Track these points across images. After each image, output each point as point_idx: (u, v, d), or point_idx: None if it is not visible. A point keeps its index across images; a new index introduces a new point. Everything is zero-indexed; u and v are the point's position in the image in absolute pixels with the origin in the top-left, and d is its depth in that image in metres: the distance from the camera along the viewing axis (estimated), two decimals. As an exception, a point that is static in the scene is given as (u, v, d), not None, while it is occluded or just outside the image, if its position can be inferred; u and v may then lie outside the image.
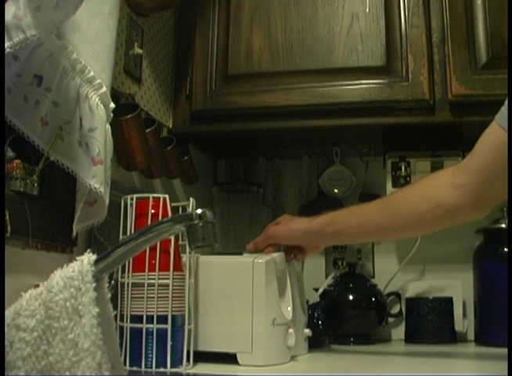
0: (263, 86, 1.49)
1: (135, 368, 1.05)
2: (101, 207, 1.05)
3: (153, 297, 1.07)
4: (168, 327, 1.06)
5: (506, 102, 0.99)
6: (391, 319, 1.69)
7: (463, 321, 1.60)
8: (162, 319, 1.07)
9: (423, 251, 1.67)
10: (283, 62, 1.49)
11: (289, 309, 1.20)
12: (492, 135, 1.02)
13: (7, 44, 0.81)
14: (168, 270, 1.08)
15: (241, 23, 1.53)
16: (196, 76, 1.54)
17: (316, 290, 1.58)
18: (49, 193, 1.04)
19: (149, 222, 1.10)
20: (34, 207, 0.99)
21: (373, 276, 1.75)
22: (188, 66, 1.56)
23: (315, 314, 1.47)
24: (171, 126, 1.55)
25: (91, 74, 1.00)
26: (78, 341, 0.78)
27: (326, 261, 1.80)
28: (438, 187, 1.10)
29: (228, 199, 1.80)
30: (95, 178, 0.99)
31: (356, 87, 1.44)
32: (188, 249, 1.09)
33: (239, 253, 1.25)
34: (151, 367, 1.05)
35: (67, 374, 0.78)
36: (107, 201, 1.04)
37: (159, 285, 1.08)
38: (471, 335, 1.59)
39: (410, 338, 1.61)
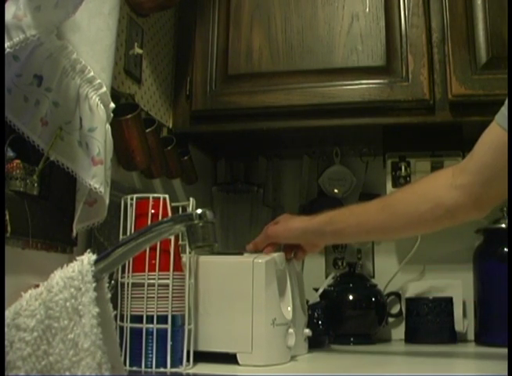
0: (263, 86, 1.49)
1: (135, 368, 1.05)
2: (101, 207, 1.05)
3: (153, 297, 1.07)
4: (168, 327, 1.06)
5: (506, 102, 0.99)
6: (391, 319, 1.69)
7: (463, 321, 1.60)
8: (162, 319, 1.07)
9: (423, 251, 1.67)
10: (283, 62, 1.49)
11: (289, 309, 1.20)
12: (492, 135, 1.02)
13: (7, 44, 0.81)
14: (168, 270, 1.08)
15: (241, 23, 1.53)
16: (196, 76, 1.54)
17: (316, 290, 1.58)
18: (49, 193, 1.04)
19: (149, 222, 1.10)
20: (34, 207, 0.99)
21: (373, 276, 1.75)
22: (188, 66, 1.56)
23: (315, 314, 1.47)
24: (171, 126, 1.55)
25: (91, 74, 1.00)
26: (78, 341, 0.78)
27: (326, 261, 1.80)
28: (438, 187, 1.10)
29: (228, 199, 1.80)
30: (95, 178, 0.99)
31: (356, 87, 1.44)
32: (188, 249, 1.09)
33: (240, 253, 1.25)
34: (151, 367, 1.05)
35: (67, 374, 0.78)
36: (107, 201, 1.04)
37: (159, 285, 1.08)
38: (471, 335, 1.59)
39: (410, 338, 1.61)
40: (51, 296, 0.81)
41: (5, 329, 0.80)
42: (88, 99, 0.99)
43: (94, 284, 0.81)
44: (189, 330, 1.10)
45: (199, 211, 0.86)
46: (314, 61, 1.48)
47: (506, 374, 0.84)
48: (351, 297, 1.59)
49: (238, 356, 1.13)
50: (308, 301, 1.42)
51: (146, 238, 0.85)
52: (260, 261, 1.16)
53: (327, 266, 1.79)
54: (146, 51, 1.43)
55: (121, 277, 1.10)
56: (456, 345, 1.55)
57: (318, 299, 1.54)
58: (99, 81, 1.01)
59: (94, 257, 0.83)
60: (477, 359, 1.37)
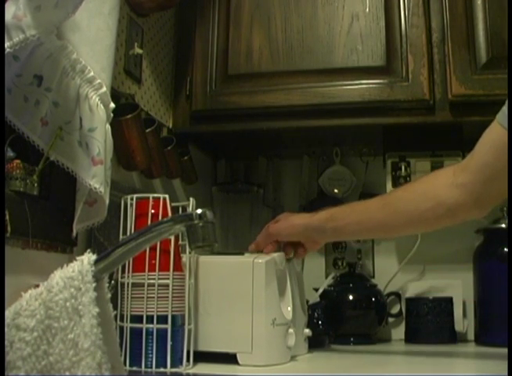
0: (263, 86, 1.49)
1: (135, 368, 1.05)
2: (101, 207, 1.05)
3: (153, 297, 1.07)
4: (168, 327, 1.06)
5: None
6: (391, 319, 1.69)
7: (463, 321, 1.59)
8: (162, 319, 1.07)
9: (423, 251, 1.67)
10: (283, 62, 1.49)
11: (289, 309, 1.20)
12: (493, 135, 1.02)
13: (7, 44, 0.81)
14: (168, 270, 1.08)
15: (241, 23, 1.53)
16: (196, 76, 1.54)
17: (316, 290, 1.58)
18: (49, 193, 1.04)
19: (149, 222, 1.10)
20: (34, 207, 0.99)
21: (373, 276, 1.75)
22: (188, 66, 1.56)
23: (315, 314, 1.47)
24: (171, 126, 1.55)
25: (91, 74, 1.00)
26: (78, 341, 0.78)
27: (326, 261, 1.80)
28: (439, 186, 1.11)
29: (228, 199, 1.80)
30: (95, 178, 0.99)
31: (356, 87, 1.44)
32: (188, 249, 1.09)
33: (241, 253, 1.24)
34: (151, 367, 1.05)
35: (67, 374, 0.78)
36: (107, 201, 1.04)
37: (159, 285, 1.08)
38: (471, 335, 1.59)
39: (410, 338, 1.61)
40: (51, 296, 0.81)
41: (5, 329, 0.80)
42: (88, 99, 0.99)
43: (94, 284, 0.81)
44: (189, 330, 1.10)
45: (199, 211, 0.86)
46: (314, 61, 1.48)
47: (506, 374, 0.84)
48: (351, 297, 1.59)
49: (238, 356, 1.13)
50: (308, 301, 1.42)
51: (145, 238, 0.85)
52: (260, 261, 1.16)
53: (327, 266, 1.79)
54: (146, 51, 1.43)
55: (121, 277, 1.10)
56: (456, 345, 1.55)
57: (318, 299, 1.54)
58: (99, 81, 1.01)
59: (94, 257, 0.83)
60: (477, 359, 1.37)
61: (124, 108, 1.21)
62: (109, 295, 0.86)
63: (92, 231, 1.16)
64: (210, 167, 1.85)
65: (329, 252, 1.79)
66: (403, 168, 1.57)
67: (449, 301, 1.59)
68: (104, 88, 1.02)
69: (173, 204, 1.15)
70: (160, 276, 1.08)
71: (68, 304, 0.80)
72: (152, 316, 1.07)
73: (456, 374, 1.12)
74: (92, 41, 1.02)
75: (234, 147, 1.81)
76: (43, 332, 0.80)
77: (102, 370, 0.78)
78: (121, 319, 1.08)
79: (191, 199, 1.14)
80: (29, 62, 0.91)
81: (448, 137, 1.55)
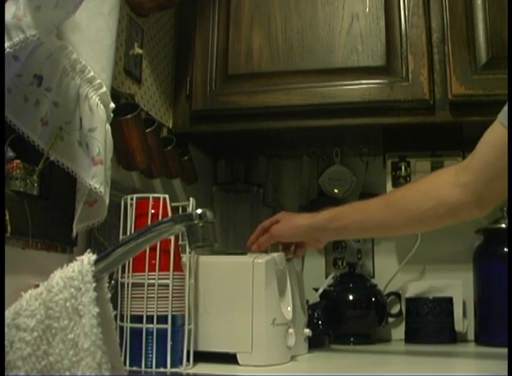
0: (263, 86, 1.49)
1: (135, 368, 1.05)
2: (101, 207, 1.05)
3: (153, 297, 1.07)
4: (168, 327, 1.06)
5: None
6: (391, 319, 1.69)
7: (463, 321, 1.59)
8: (162, 319, 1.07)
9: (423, 251, 1.67)
10: (283, 62, 1.49)
11: (289, 309, 1.20)
12: (495, 134, 1.01)
13: (7, 44, 0.81)
14: (168, 270, 1.08)
15: (241, 23, 1.53)
16: (196, 76, 1.54)
17: (316, 290, 1.58)
18: (49, 193, 1.04)
19: (149, 222, 1.10)
20: (34, 207, 0.99)
21: (373, 276, 1.75)
22: (188, 66, 1.56)
23: (315, 314, 1.47)
24: (171, 126, 1.55)
25: (91, 74, 1.00)
26: (78, 341, 0.78)
27: (326, 261, 1.80)
28: (441, 185, 1.11)
29: (228, 199, 1.80)
30: (95, 178, 0.99)
31: (356, 87, 1.44)
32: (188, 249, 1.09)
33: (244, 253, 1.24)
34: (151, 367, 1.05)
35: (67, 374, 0.78)
36: (107, 201, 1.04)
37: (159, 285, 1.08)
38: (471, 335, 1.59)
39: (410, 338, 1.61)
40: (51, 296, 0.81)
41: (5, 329, 0.80)
42: (88, 99, 0.99)
43: (94, 284, 0.81)
44: (189, 330, 1.10)
45: (199, 211, 0.86)
46: (314, 61, 1.48)
47: (506, 374, 0.84)
48: (351, 297, 1.59)
49: (238, 356, 1.13)
50: (308, 301, 1.42)
51: (146, 238, 0.85)
52: (260, 261, 1.16)
53: (327, 266, 1.79)
54: (146, 51, 1.43)
55: (121, 277, 1.10)
56: (456, 345, 1.55)
57: (318, 299, 1.54)
58: (99, 81, 1.01)
59: (94, 257, 0.83)
60: (477, 359, 1.37)
61: (124, 108, 1.21)
62: (109, 295, 0.86)
63: (92, 231, 1.16)
64: (210, 167, 1.85)
65: (329, 252, 1.79)
66: (403, 168, 1.57)
67: (449, 301, 1.59)
68: (104, 88, 1.02)
69: (173, 204, 1.15)
70: (160, 276, 1.08)
71: (68, 304, 0.80)
72: (152, 316, 1.07)
73: (456, 374, 1.12)
74: (92, 41, 1.02)
75: (234, 147, 1.81)
76: (43, 332, 0.80)
77: (102, 370, 0.78)
78: (121, 319, 1.08)
79: (191, 199, 1.14)
80: (29, 62, 0.91)
81: (448, 137, 1.55)
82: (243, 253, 1.25)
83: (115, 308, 0.91)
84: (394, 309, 1.70)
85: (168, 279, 1.08)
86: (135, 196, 1.14)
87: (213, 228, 0.87)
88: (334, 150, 1.80)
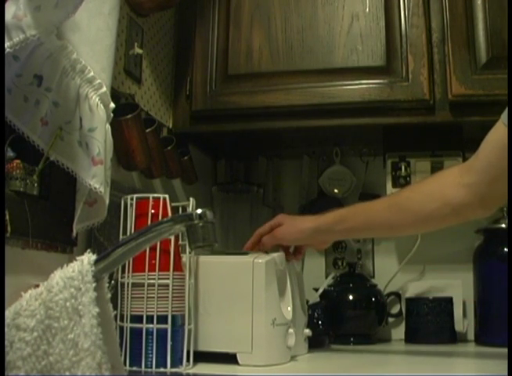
0: (263, 86, 1.49)
1: (135, 368, 1.05)
2: (101, 207, 1.05)
3: (153, 297, 1.07)
4: (168, 327, 1.06)
5: None
6: (391, 319, 1.69)
7: (463, 321, 1.59)
8: (162, 319, 1.07)
9: (423, 251, 1.67)
10: (283, 62, 1.49)
11: (289, 309, 1.20)
12: (497, 135, 1.01)
13: (7, 44, 0.81)
14: (168, 270, 1.08)
15: (241, 23, 1.53)
16: (196, 76, 1.54)
17: (316, 290, 1.58)
18: (49, 193, 1.04)
19: (149, 222, 1.10)
20: (34, 207, 0.99)
21: (373, 276, 1.75)
22: (188, 66, 1.56)
23: (315, 314, 1.48)
24: (171, 126, 1.55)
25: (91, 74, 1.00)
26: (78, 341, 0.78)
27: (326, 261, 1.80)
28: (445, 186, 1.11)
29: (228, 199, 1.80)
30: (95, 178, 0.99)
31: (356, 87, 1.44)
32: (188, 249, 1.09)
33: (246, 253, 1.24)
34: (151, 367, 1.05)
35: (67, 374, 0.78)
36: (107, 201, 1.03)
37: (159, 285, 1.08)
38: (471, 335, 1.59)
39: (410, 338, 1.61)
40: (51, 296, 0.81)
41: (5, 329, 0.80)
42: (88, 99, 0.99)
43: (94, 284, 0.81)
44: (189, 330, 1.10)
45: (199, 211, 0.86)
46: (314, 61, 1.48)
47: (506, 374, 0.84)
48: (351, 297, 1.59)
49: (238, 356, 1.13)
50: (308, 301, 1.42)
51: (146, 238, 0.85)
52: (260, 261, 1.16)
53: (327, 266, 1.79)
54: (146, 51, 1.43)
55: (121, 277, 1.10)
56: (456, 345, 1.55)
57: (318, 299, 1.54)
58: (99, 81, 1.01)
59: (94, 257, 0.83)
60: (477, 359, 1.37)
61: (124, 108, 1.21)
62: (109, 295, 0.86)
63: (92, 231, 1.16)
64: (210, 167, 1.85)
65: (329, 252, 1.79)
66: (403, 168, 1.57)
67: (449, 301, 1.59)
68: (104, 88, 1.02)
69: (173, 204, 1.15)
70: (160, 276, 1.08)
71: (68, 304, 0.80)
72: (152, 316, 1.07)
73: (456, 374, 1.12)
74: (92, 41, 1.02)
75: (234, 147, 1.81)
76: (43, 332, 0.80)
77: (102, 370, 0.78)
78: (121, 319, 1.08)
79: (191, 199, 1.14)
80: (29, 62, 0.91)
81: (448, 137, 1.55)
82: (244, 253, 1.25)
83: (115, 308, 0.91)
84: (394, 309, 1.70)
85: (168, 279, 1.08)
86: (135, 196, 1.14)
87: (213, 228, 0.87)
88: (334, 150, 1.80)
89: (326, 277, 1.68)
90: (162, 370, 1.05)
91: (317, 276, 1.73)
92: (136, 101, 1.34)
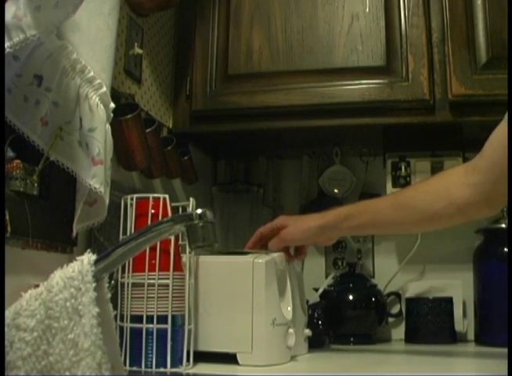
0: (263, 86, 1.49)
1: (135, 368, 1.05)
2: (101, 207, 1.05)
3: (153, 297, 1.07)
4: (168, 327, 1.06)
5: None
6: (391, 319, 1.69)
7: (463, 321, 1.60)
8: (162, 319, 1.07)
9: (423, 251, 1.67)
10: (283, 62, 1.49)
11: (289, 309, 1.20)
12: (501, 134, 1.01)
13: (7, 44, 0.81)
14: (168, 270, 1.08)
15: (241, 23, 1.53)
16: (196, 76, 1.54)
17: (316, 290, 1.58)
18: (49, 193, 1.04)
19: (149, 222, 1.10)
20: (34, 207, 0.99)
21: (373, 276, 1.75)
22: (188, 66, 1.56)
23: (315, 314, 1.47)
24: (171, 126, 1.55)
25: (91, 74, 1.00)
26: (78, 341, 0.78)
27: (326, 261, 1.80)
28: (451, 185, 1.11)
29: (228, 199, 1.80)
30: (95, 178, 0.99)
31: (356, 87, 1.44)
32: (188, 249, 1.09)
33: (247, 252, 1.24)
34: (151, 367, 1.05)
35: (67, 374, 0.78)
36: (107, 201, 1.03)
37: (159, 285, 1.08)
38: (471, 335, 1.59)
39: (410, 338, 1.61)
40: (51, 296, 0.81)
41: (5, 329, 0.80)
42: (88, 99, 0.99)
43: (94, 284, 0.81)
44: (189, 330, 1.10)
45: (199, 211, 0.86)
46: (314, 61, 1.48)
47: (506, 374, 0.84)
48: (351, 297, 1.59)
49: (238, 356, 1.13)
50: (308, 301, 1.42)
51: (146, 238, 0.85)
52: (260, 261, 1.16)
53: (327, 266, 1.79)
54: (146, 51, 1.43)
55: (121, 277, 1.10)
56: (456, 345, 1.55)
57: (318, 299, 1.54)
58: (99, 81, 1.01)
59: (94, 257, 0.83)
60: (477, 359, 1.37)
61: (124, 108, 1.21)
62: (109, 295, 0.86)
63: (92, 231, 1.16)
64: (210, 167, 1.85)
65: (329, 252, 1.79)
66: (403, 168, 1.57)
67: (449, 301, 1.59)
68: (104, 88, 1.02)
69: (173, 204, 1.15)
70: (160, 276, 1.08)
71: (68, 304, 0.80)
72: (152, 316, 1.07)
73: (456, 374, 1.12)
74: (92, 41, 1.02)
75: (234, 147, 1.81)
76: (43, 332, 0.80)
77: (102, 370, 0.78)
78: (121, 319, 1.08)
79: (191, 199, 1.14)
80: (29, 62, 0.91)
81: (448, 137, 1.55)
82: (244, 252, 1.24)
83: (115, 308, 0.91)
84: (394, 309, 1.70)
85: (168, 279, 1.08)
86: (135, 196, 1.14)
87: (213, 228, 0.87)
88: (334, 150, 1.80)
89: (326, 277, 1.68)
90: (162, 370, 1.05)
91: (317, 276, 1.73)
92: (136, 101, 1.34)
